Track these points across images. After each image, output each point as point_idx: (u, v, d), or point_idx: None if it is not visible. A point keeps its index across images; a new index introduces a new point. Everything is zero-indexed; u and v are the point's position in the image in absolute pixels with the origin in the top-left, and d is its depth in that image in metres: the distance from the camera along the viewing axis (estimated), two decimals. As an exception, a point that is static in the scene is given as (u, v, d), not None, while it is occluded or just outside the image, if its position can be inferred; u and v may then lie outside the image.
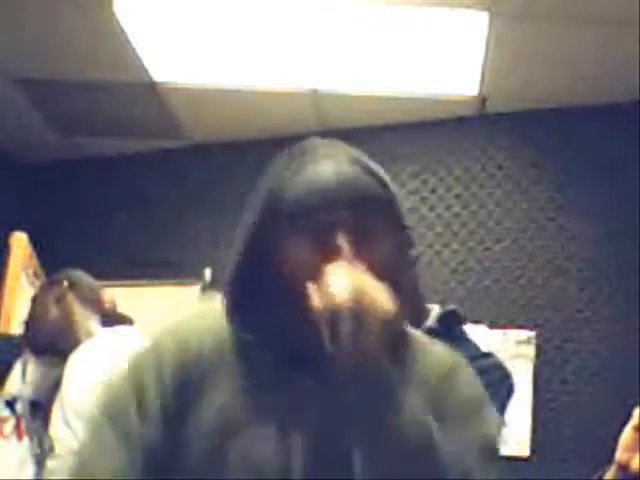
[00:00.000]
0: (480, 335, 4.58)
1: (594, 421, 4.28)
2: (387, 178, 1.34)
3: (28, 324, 3.21)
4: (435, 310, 2.42)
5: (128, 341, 2.78)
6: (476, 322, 4.63)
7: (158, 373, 1.33)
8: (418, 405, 1.24)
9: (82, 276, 3.24)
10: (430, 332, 2.34)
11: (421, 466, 1.23)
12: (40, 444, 3.11)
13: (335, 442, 1.28)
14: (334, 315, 1.20)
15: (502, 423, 2.38)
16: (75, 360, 2.87)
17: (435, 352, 1.43)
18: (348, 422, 1.24)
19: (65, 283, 3.16)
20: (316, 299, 1.23)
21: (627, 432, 1.66)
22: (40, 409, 3.20)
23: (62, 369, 2.94)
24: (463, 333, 2.46)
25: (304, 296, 1.24)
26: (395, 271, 1.30)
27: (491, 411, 1.40)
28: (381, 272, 1.25)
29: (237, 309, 1.35)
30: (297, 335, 1.30)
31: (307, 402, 1.30)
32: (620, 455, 1.66)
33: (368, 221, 1.29)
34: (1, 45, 4.40)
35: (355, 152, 1.36)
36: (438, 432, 1.25)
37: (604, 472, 1.70)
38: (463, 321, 2.48)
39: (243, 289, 1.35)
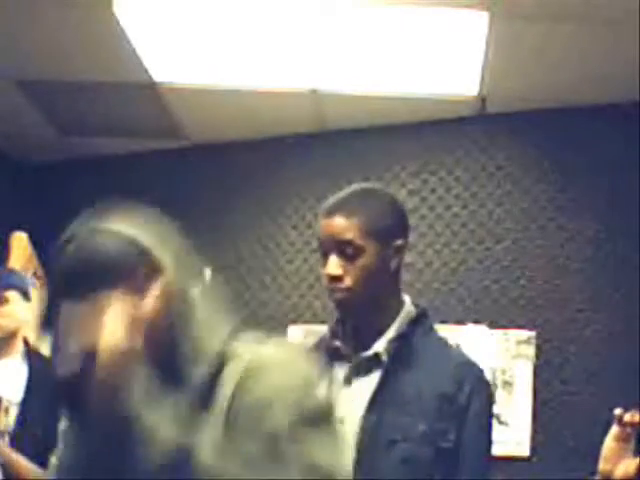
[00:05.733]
0: (480, 335, 4.61)
1: (594, 421, 4.27)
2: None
3: None
4: (407, 304, 2.38)
5: None
6: (476, 322, 4.64)
7: None
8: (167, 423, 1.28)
9: None
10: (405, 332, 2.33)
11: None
12: None
13: None
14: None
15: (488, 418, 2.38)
16: None
17: (250, 357, 1.42)
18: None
19: None
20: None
21: (607, 442, 1.65)
22: None
23: None
24: (432, 329, 2.44)
25: None
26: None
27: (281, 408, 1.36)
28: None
29: None
30: None
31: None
32: (603, 466, 1.65)
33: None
34: (1, 45, 4.40)
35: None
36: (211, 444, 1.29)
37: None
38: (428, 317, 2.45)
39: None
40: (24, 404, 3.36)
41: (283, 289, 4.94)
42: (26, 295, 3.56)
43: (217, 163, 5.29)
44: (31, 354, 3.49)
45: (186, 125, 5.14)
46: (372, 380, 2.26)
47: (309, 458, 1.32)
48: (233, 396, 1.36)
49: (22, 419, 3.35)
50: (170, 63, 4.51)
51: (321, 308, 4.79)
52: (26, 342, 3.52)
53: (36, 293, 4.81)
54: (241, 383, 1.37)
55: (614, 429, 1.64)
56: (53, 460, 2.85)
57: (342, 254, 2.26)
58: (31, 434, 3.31)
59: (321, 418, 1.37)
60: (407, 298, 2.39)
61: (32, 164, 5.52)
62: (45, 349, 3.88)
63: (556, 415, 4.46)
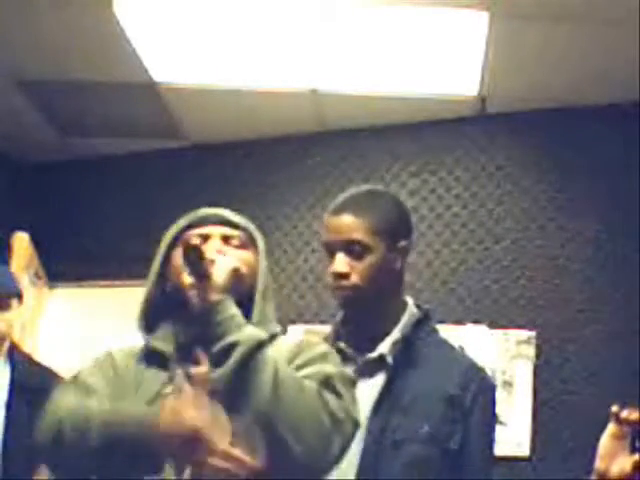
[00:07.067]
0: (480, 335, 4.60)
1: (594, 421, 4.26)
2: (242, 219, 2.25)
3: None
4: (410, 306, 2.36)
5: None
6: (476, 322, 4.64)
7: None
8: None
9: None
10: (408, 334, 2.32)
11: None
12: None
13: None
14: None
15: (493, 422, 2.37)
16: None
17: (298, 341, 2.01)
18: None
19: None
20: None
21: (604, 440, 1.63)
22: None
23: None
24: (435, 331, 2.42)
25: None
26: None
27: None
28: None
29: (148, 327, 2.07)
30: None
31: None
32: (599, 464, 1.63)
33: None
34: (1, 45, 4.40)
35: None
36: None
37: None
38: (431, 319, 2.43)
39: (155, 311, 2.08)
40: (9, 407, 3.32)
41: (283, 289, 4.94)
42: (20, 298, 3.51)
43: (217, 163, 5.29)
44: (15, 353, 3.44)
45: (186, 125, 5.14)
46: (377, 382, 2.25)
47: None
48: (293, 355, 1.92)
49: (8, 422, 3.31)
50: (170, 63, 4.51)
51: (321, 308, 4.79)
52: (11, 342, 3.47)
53: (35, 292, 4.81)
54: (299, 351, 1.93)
55: (611, 427, 1.63)
56: None
57: (349, 252, 2.27)
58: (19, 437, 3.27)
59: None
60: (410, 299, 2.39)
61: (32, 164, 5.52)
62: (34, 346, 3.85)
63: (556, 415, 4.46)
